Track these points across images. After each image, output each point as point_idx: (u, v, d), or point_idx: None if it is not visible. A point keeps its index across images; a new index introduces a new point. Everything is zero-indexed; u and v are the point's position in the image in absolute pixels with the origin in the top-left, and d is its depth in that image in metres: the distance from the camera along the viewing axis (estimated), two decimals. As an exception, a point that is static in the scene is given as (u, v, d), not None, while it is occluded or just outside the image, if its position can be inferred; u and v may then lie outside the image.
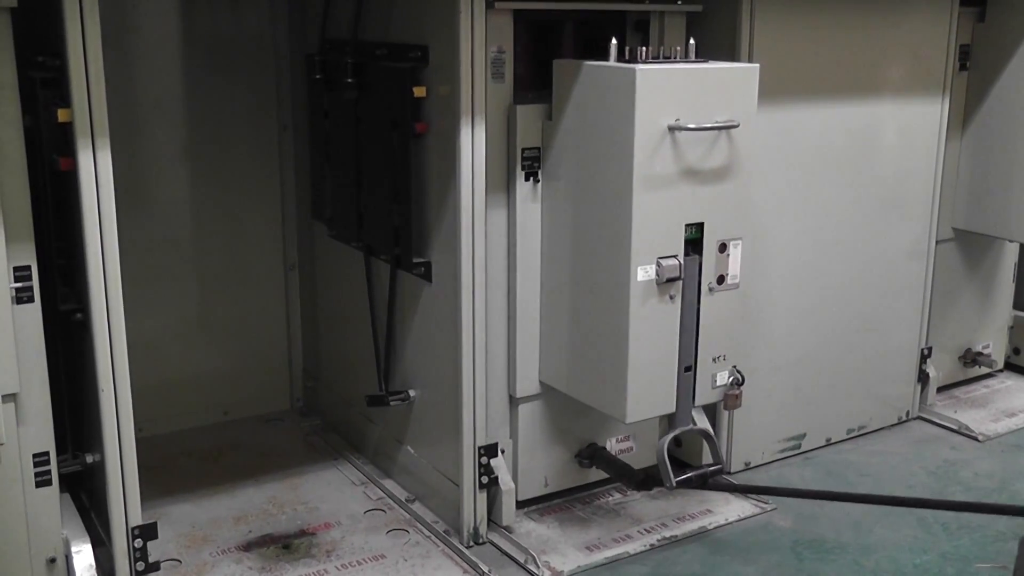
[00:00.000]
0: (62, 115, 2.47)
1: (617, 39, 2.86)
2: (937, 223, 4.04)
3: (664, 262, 2.84)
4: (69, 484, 2.96)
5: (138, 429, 2.73)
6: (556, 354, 3.16)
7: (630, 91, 2.71)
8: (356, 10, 3.26)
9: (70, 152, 2.49)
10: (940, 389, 4.34)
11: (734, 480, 3.64)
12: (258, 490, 3.55)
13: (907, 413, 4.21)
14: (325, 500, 3.49)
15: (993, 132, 4.04)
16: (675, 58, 2.89)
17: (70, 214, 2.61)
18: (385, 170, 3.21)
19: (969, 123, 4.11)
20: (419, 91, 3.04)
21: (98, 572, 2.73)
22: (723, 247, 2.95)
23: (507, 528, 3.25)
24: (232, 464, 3.75)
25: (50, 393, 2.64)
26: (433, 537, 3.25)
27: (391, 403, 3.42)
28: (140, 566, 2.75)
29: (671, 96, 2.77)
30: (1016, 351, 4.72)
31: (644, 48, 2.86)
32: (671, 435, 3.06)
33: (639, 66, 2.73)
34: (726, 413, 3.58)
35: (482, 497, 3.20)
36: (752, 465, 3.76)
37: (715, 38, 3.33)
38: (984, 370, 4.56)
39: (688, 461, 3.59)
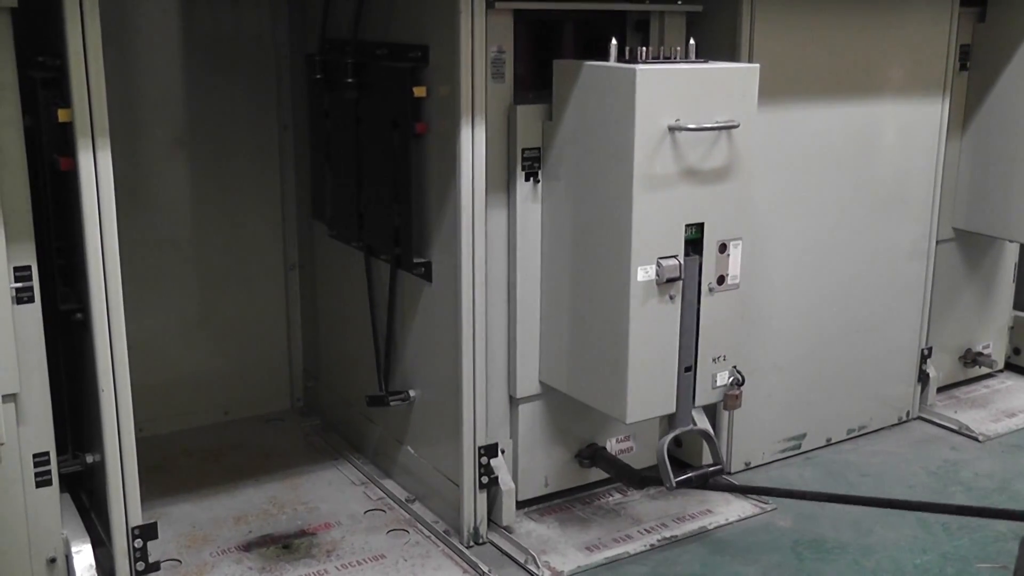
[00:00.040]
0: (62, 115, 2.47)
1: (617, 39, 2.85)
2: (937, 223, 4.04)
3: (664, 262, 2.84)
4: (69, 484, 2.96)
5: (138, 429, 2.73)
6: (556, 354, 3.16)
7: (630, 91, 2.71)
8: (356, 10, 3.26)
9: (70, 152, 2.49)
10: (940, 389, 4.34)
11: (734, 480, 3.64)
12: (258, 490, 3.55)
13: (907, 413, 4.21)
14: (325, 500, 3.49)
15: (993, 132, 4.04)
16: (675, 58, 2.89)
17: (70, 214, 2.61)
18: (385, 170, 3.21)
19: (969, 123, 4.11)
20: (419, 91, 3.04)
21: (98, 572, 2.73)
22: (723, 247, 2.95)
23: (507, 528, 3.25)
24: (232, 464, 3.75)
25: (50, 393, 2.64)
26: (433, 537, 3.25)
27: (391, 403, 3.42)
28: (140, 566, 2.75)
29: (671, 96, 2.77)
30: (1016, 351, 4.72)
31: (644, 48, 2.86)
32: (671, 435, 3.06)
33: (639, 66, 2.73)
34: (726, 413, 3.58)
35: (482, 497, 3.20)
36: (752, 465, 3.76)
37: (715, 38, 3.33)
38: (984, 370, 4.56)
39: (688, 461, 3.59)
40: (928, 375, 4.22)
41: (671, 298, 2.89)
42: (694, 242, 2.91)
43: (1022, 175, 3.96)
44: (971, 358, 4.48)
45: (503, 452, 3.24)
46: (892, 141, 3.80)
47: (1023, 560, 2.50)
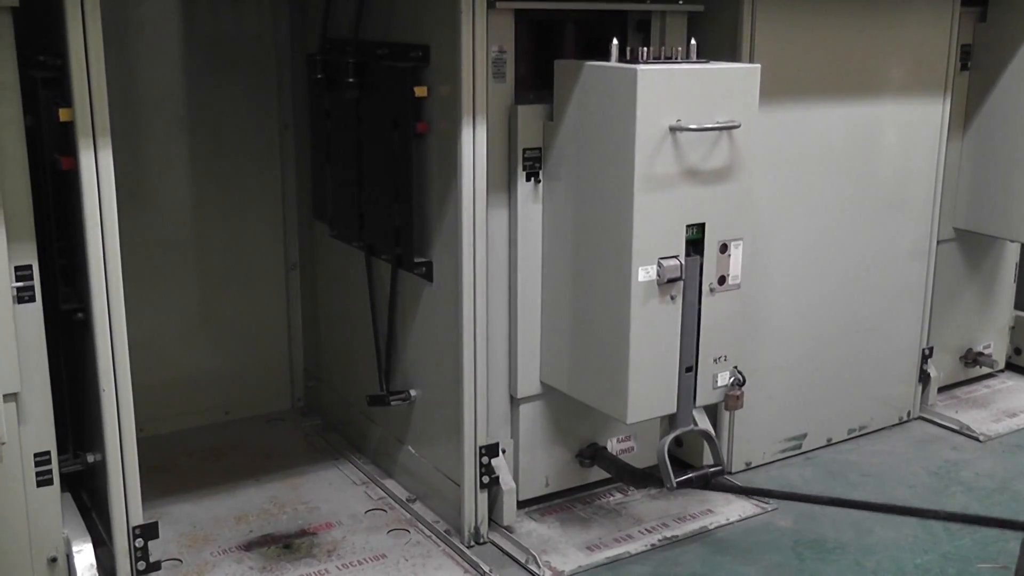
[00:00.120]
0: (63, 115, 2.47)
1: (618, 39, 2.85)
2: (938, 223, 4.04)
3: (665, 262, 2.84)
4: (70, 483, 2.96)
5: (139, 429, 2.73)
6: (557, 354, 3.16)
7: (631, 92, 2.71)
8: (357, 10, 3.25)
9: (71, 152, 2.49)
10: (941, 389, 4.34)
11: (735, 480, 3.63)
12: (259, 490, 3.55)
13: (908, 413, 4.21)
14: (326, 500, 3.49)
15: (994, 132, 4.04)
16: (676, 58, 2.89)
17: (71, 213, 2.61)
18: (386, 170, 3.21)
19: (970, 123, 4.11)
20: (420, 91, 3.04)
21: (99, 571, 2.73)
22: (724, 247, 2.95)
23: (508, 528, 3.25)
24: (233, 464, 3.75)
25: (51, 393, 2.64)
26: (434, 537, 3.25)
27: (392, 403, 3.42)
28: (141, 565, 2.75)
29: (672, 96, 2.77)
30: (1017, 351, 4.72)
31: (645, 48, 2.86)
32: (672, 435, 3.06)
33: (640, 66, 2.73)
34: (727, 413, 3.58)
35: (483, 497, 3.20)
36: (753, 465, 3.76)
37: (716, 38, 3.33)
38: (985, 370, 4.56)
39: (689, 461, 3.59)
40: (929, 375, 4.22)
41: (672, 298, 2.89)
42: (695, 242, 2.91)
43: (1023, 175, 3.96)
44: (972, 358, 4.48)
45: (504, 452, 3.24)
46: (893, 141, 3.80)
47: (1024, 560, 2.51)
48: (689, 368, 2.98)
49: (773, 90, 3.25)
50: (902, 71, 3.75)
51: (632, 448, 3.50)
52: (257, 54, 3.91)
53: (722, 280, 2.97)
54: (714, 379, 3.04)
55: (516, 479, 3.27)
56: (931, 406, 4.26)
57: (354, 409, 3.81)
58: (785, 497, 3.37)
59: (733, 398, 3.08)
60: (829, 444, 3.96)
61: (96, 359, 2.59)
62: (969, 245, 4.29)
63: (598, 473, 3.46)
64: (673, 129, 2.77)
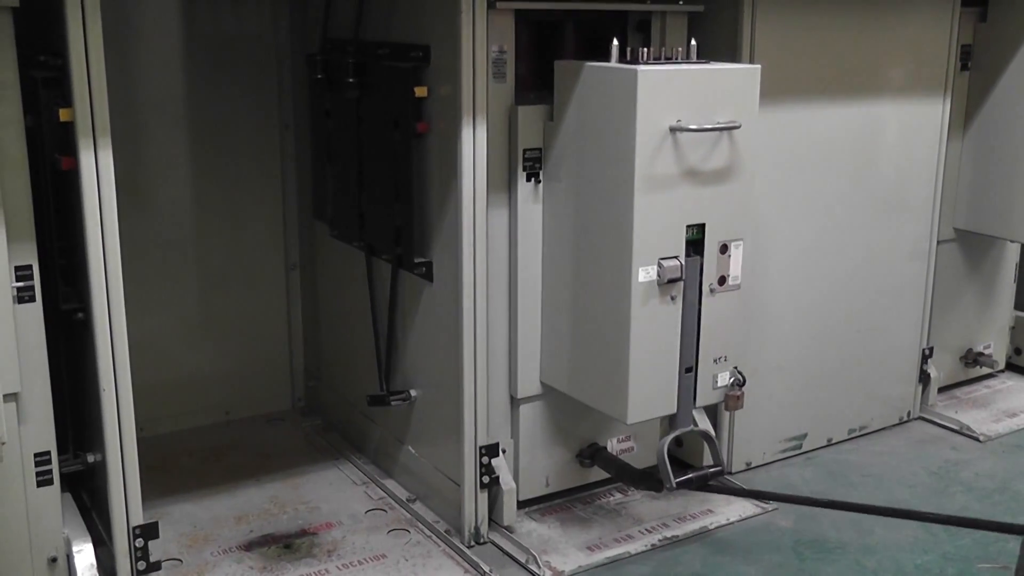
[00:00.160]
0: (64, 115, 2.46)
1: (619, 40, 2.85)
2: (938, 223, 4.04)
3: (665, 263, 2.84)
4: (70, 483, 2.96)
5: (139, 429, 2.73)
6: (557, 354, 3.16)
7: (631, 92, 2.71)
8: (358, 10, 3.26)
9: (72, 151, 2.49)
10: (941, 389, 4.34)
11: (736, 480, 3.63)
12: (259, 490, 3.55)
13: (908, 413, 4.21)
14: (326, 500, 3.49)
15: (994, 132, 4.03)
16: (676, 59, 2.89)
17: (71, 213, 2.61)
18: (386, 170, 3.21)
19: (970, 123, 4.11)
20: (420, 91, 3.04)
21: (99, 571, 2.73)
22: (724, 248, 2.95)
23: (508, 528, 3.25)
24: (233, 464, 3.75)
25: (51, 392, 2.65)
26: (434, 537, 3.25)
27: (392, 403, 3.42)
28: (141, 565, 2.75)
29: (672, 97, 2.77)
30: (1017, 351, 4.72)
31: (645, 49, 2.86)
32: (672, 436, 3.06)
33: (640, 67, 2.73)
34: (727, 413, 3.58)
35: (483, 497, 3.20)
36: (753, 465, 3.76)
37: (717, 39, 3.33)
38: (985, 370, 4.56)
39: (689, 461, 3.59)
40: (929, 375, 4.22)
41: (672, 299, 2.89)
42: (695, 243, 2.91)
43: (1023, 175, 3.96)
44: (972, 358, 4.48)
45: (504, 452, 3.24)
46: (893, 141, 3.80)
47: (1024, 561, 2.51)
48: (689, 368, 2.98)
49: (773, 90, 3.25)
50: (902, 71, 3.75)
51: (632, 448, 3.50)
52: (257, 54, 3.91)
53: (722, 280, 2.97)
54: (714, 379, 3.04)
55: (516, 479, 3.27)
56: (931, 406, 4.26)
57: (354, 409, 3.81)
58: (784, 500, 3.37)
59: (733, 398, 3.08)
60: (829, 444, 3.96)
61: (96, 359, 2.59)
62: (969, 245, 4.29)
63: (598, 473, 3.46)
64: (673, 129, 2.77)
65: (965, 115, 4.10)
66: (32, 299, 2.55)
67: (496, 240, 3.09)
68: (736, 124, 2.86)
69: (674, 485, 3.07)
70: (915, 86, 3.80)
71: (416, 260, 3.20)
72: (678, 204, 2.84)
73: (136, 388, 2.66)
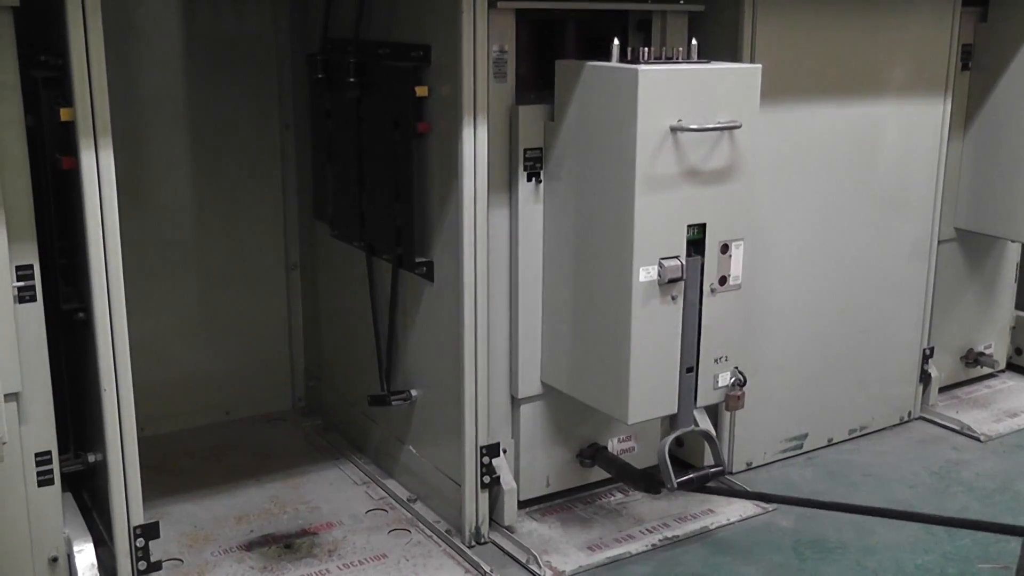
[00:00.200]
0: (64, 114, 2.46)
1: (619, 39, 2.85)
2: (939, 223, 4.04)
3: (666, 263, 2.84)
4: (71, 483, 2.95)
5: (140, 429, 2.72)
6: (558, 354, 3.16)
7: (632, 92, 2.71)
8: (358, 9, 3.25)
9: (72, 151, 2.49)
10: (942, 389, 4.34)
11: (736, 480, 3.63)
12: (260, 490, 3.55)
13: (909, 413, 4.21)
14: (327, 500, 3.49)
15: (995, 132, 4.03)
16: (677, 59, 2.89)
17: (72, 213, 2.61)
18: (387, 170, 3.21)
19: (971, 123, 4.11)
20: (421, 91, 3.04)
21: (100, 571, 2.73)
22: (725, 248, 2.95)
23: (509, 528, 3.25)
24: (234, 464, 3.75)
25: (52, 392, 2.65)
26: (435, 537, 3.25)
27: (393, 403, 3.42)
28: (142, 565, 2.75)
29: (673, 97, 2.77)
30: (1018, 351, 4.72)
31: (646, 48, 2.85)
32: (673, 436, 3.06)
33: (641, 67, 2.73)
34: (728, 413, 3.58)
35: (484, 497, 3.20)
36: (754, 465, 3.76)
37: (717, 38, 3.33)
38: (986, 370, 4.56)
39: (690, 461, 3.59)
40: (930, 375, 4.22)
41: (673, 299, 2.89)
42: (696, 243, 2.91)
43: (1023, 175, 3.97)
44: (973, 358, 4.48)
45: (505, 452, 3.24)
46: (894, 141, 3.80)
47: (1025, 561, 2.50)
48: (690, 368, 2.98)
49: (774, 90, 3.25)
50: (903, 71, 3.75)
51: (633, 448, 3.50)
52: (258, 54, 3.91)
53: (723, 280, 2.97)
54: (715, 379, 3.04)
55: (517, 479, 3.27)
56: (932, 406, 4.26)
57: (355, 409, 3.81)
58: (785, 501, 3.37)
59: (734, 398, 3.08)
60: (830, 444, 3.96)
61: (97, 359, 2.59)
62: (970, 245, 4.29)
63: (599, 473, 3.46)
64: (674, 129, 2.77)
65: (966, 115, 4.10)
66: (33, 299, 2.55)
67: (497, 240, 3.09)
68: (737, 124, 2.85)
69: (675, 485, 3.07)
70: (916, 86, 3.80)
71: (417, 260, 3.20)
72: (679, 204, 2.84)
73: (137, 388, 2.66)
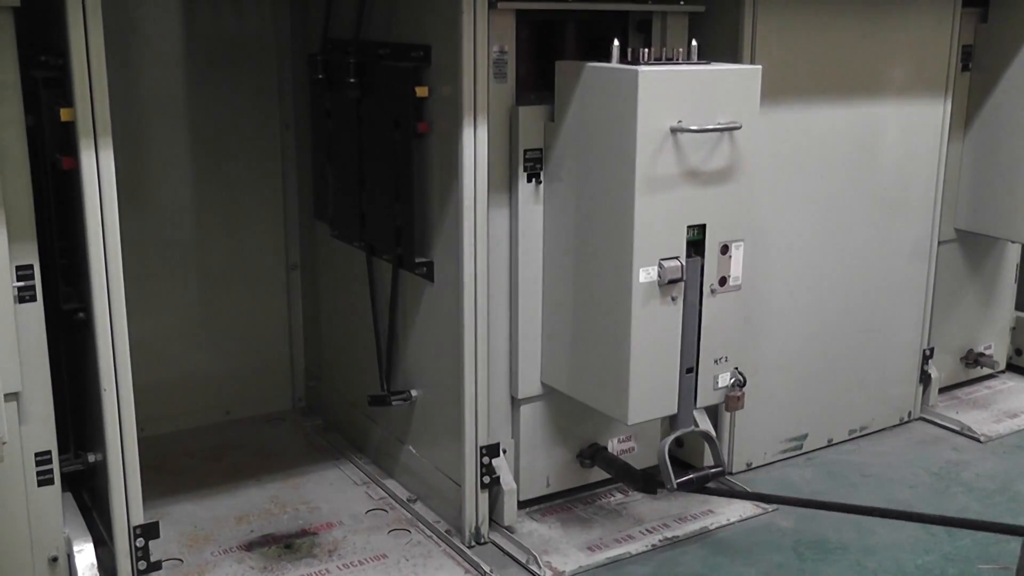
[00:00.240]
0: (64, 114, 2.47)
1: (619, 40, 2.85)
2: (939, 224, 4.04)
3: (666, 263, 2.84)
4: (71, 483, 2.95)
5: (140, 428, 2.72)
6: (558, 355, 3.16)
7: (632, 93, 2.71)
8: (358, 10, 3.25)
9: (72, 151, 2.49)
10: (942, 390, 4.34)
11: (736, 481, 3.63)
12: (260, 490, 3.55)
13: (909, 414, 4.21)
14: (327, 500, 3.49)
15: (995, 133, 4.03)
16: (677, 59, 2.89)
17: (72, 213, 2.61)
18: (387, 170, 3.21)
19: (971, 124, 4.11)
20: (421, 91, 3.04)
21: (100, 571, 2.73)
22: (725, 249, 2.95)
23: (509, 528, 3.25)
24: (234, 464, 3.75)
25: (52, 392, 2.65)
26: (435, 537, 3.25)
27: (393, 403, 3.42)
28: (142, 565, 2.75)
29: (673, 98, 2.77)
30: (1018, 352, 4.72)
31: (646, 49, 2.86)
32: (673, 436, 3.06)
33: (641, 68, 2.73)
34: (728, 414, 3.58)
35: (484, 497, 3.20)
36: (754, 465, 3.76)
37: (718, 39, 3.33)
38: (986, 371, 4.56)
39: (690, 462, 3.59)
40: (930, 376, 4.22)
41: (673, 299, 2.89)
42: (696, 243, 2.91)
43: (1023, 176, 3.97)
44: (973, 359, 4.48)
45: (505, 452, 3.24)
46: (894, 142, 3.80)
47: (1025, 561, 2.50)
48: (690, 369, 2.98)
49: (774, 91, 3.25)
50: (903, 72, 3.75)
51: (633, 448, 3.50)
52: (258, 54, 3.91)
53: (723, 281, 2.97)
54: (715, 380, 3.04)
55: (517, 479, 3.27)
56: (932, 407, 4.26)
57: (355, 409, 3.81)
58: (784, 502, 3.37)
59: (734, 399, 3.08)
60: (830, 444, 3.96)
61: (97, 359, 2.59)
62: (970, 246, 4.29)
63: (599, 473, 3.46)
64: (674, 130, 2.77)
65: (966, 115, 4.10)
66: (33, 299, 2.55)
67: (497, 240, 3.09)
68: (737, 125, 2.85)
69: (675, 486, 3.07)
70: (916, 86, 3.80)
71: (417, 260, 3.20)
72: (679, 205, 2.84)
73: (136, 388, 2.67)
